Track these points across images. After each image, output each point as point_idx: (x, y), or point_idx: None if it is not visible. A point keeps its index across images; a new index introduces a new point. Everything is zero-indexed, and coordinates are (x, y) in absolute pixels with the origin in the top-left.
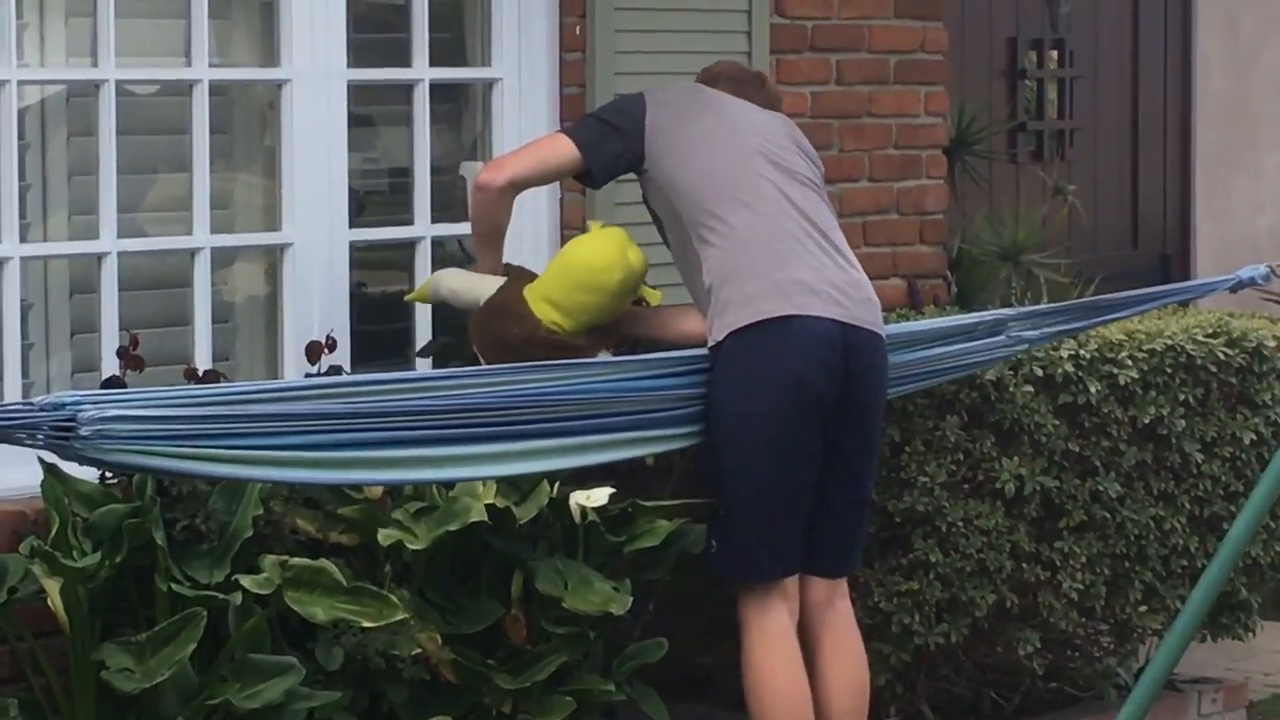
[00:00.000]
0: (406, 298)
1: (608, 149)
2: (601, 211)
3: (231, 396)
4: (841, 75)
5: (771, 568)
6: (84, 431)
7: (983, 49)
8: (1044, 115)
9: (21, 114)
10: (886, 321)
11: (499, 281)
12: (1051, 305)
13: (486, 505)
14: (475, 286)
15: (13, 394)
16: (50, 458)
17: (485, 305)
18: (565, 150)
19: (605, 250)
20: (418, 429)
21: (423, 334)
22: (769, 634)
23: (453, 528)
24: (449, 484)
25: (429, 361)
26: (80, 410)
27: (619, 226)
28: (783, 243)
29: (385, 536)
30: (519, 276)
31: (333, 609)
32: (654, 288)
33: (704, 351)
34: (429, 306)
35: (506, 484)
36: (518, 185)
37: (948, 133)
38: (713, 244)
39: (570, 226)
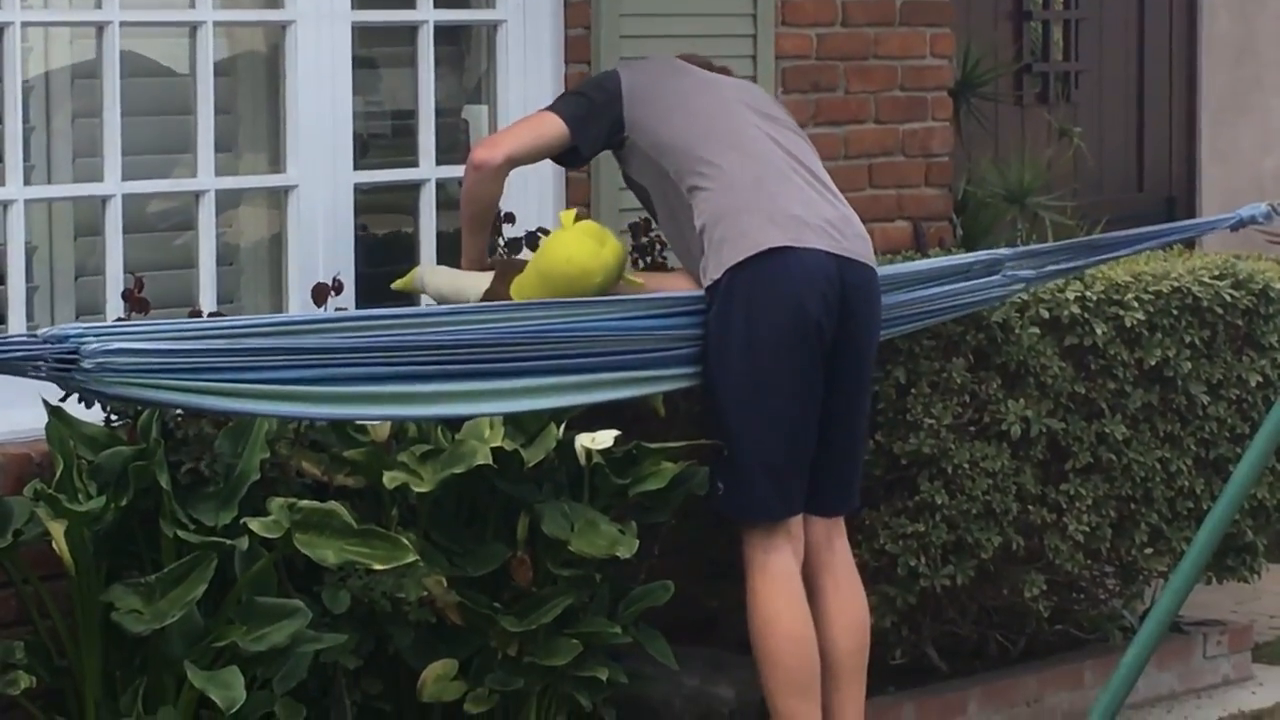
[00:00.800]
0: (393, 285)
1: (593, 125)
2: (607, 186)
3: (234, 330)
4: (847, 16)
5: (777, 506)
6: (87, 364)
7: None
8: (1049, 57)
9: (25, 56)
10: (890, 263)
11: (484, 278)
12: (1048, 245)
13: (493, 448)
14: (461, 286)
15: None
16: (53, 397)
17: (474, 302)
18: (556, 127)
19: (580, 255)
20: (419, 364)
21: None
22: (773, 575)
23: (458, 470)
24: (449, 420)
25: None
26: (83, 343)
27: (590, 221)
28: (773, 180)
29: (390, 479)
30: (505, 270)
31: (343, 551)
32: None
33: (702, 293)
34: (431, 250)
35: (513, 426)
36: (514, 162)
37: (953, 75)
38: (704, 188)
39: (575, 201)
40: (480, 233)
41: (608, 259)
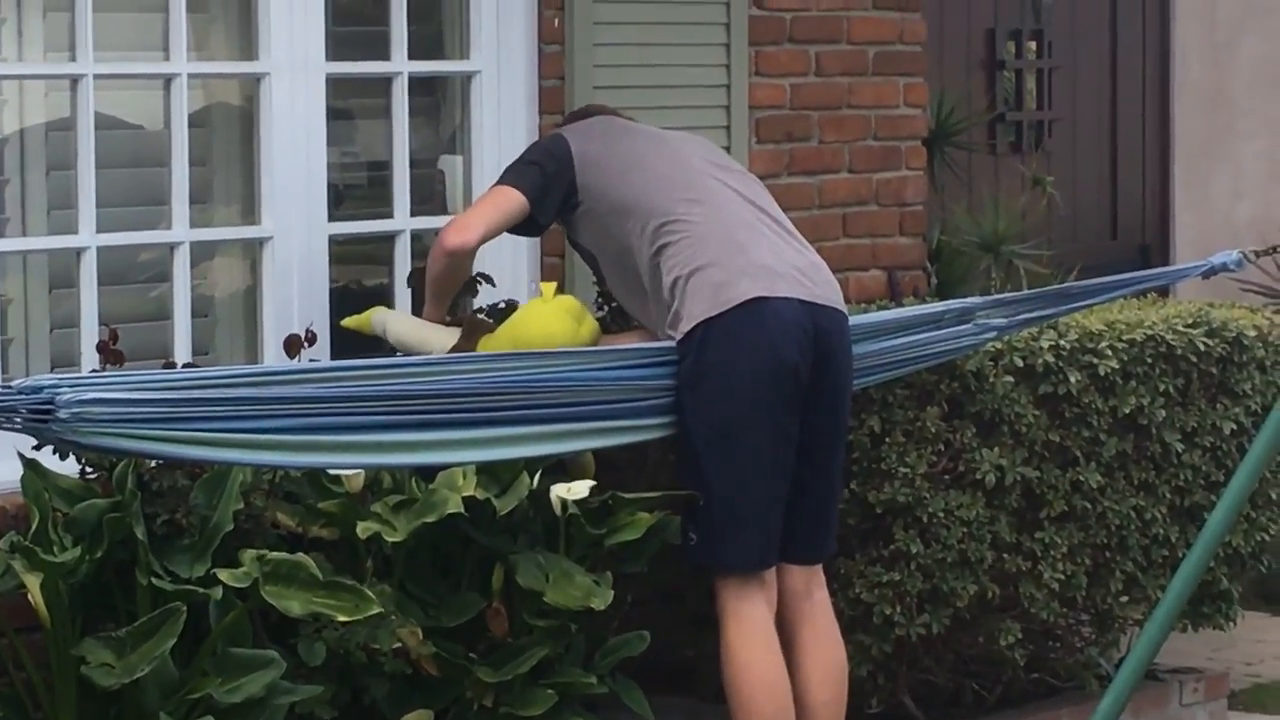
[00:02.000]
0: (343, 322)
1: (549, 195)
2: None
3: (208, 381)
4: (821, 66)
5: (751, 556)
6: (62, 414)
7: (961, 40)
8: (1023, 106)
9: (0, 108)
10: (864, 312)
11: (450, 334)
12: (1020, 293)
13: (466, 497)
14: (426, 338)
15: None
16: (28, 450)
17: None
18: (517, 201)
19: (560, 333)
20: (393, 414)
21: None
22: (747, 624)
23: (430, 519)
24: (423, 469)
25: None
26: (58, 393)
27: (569, 297)
28: (741, 230)
29: (364, 529)
30: (473, 330)
31: (310, 603)
32: None
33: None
34: (407, 299)
35: (487, 476)
36: (485, 241)
37: (927, 124)
38: (672, 243)
39: (552, 254)
40: (444, 302)
41: (585, 338)
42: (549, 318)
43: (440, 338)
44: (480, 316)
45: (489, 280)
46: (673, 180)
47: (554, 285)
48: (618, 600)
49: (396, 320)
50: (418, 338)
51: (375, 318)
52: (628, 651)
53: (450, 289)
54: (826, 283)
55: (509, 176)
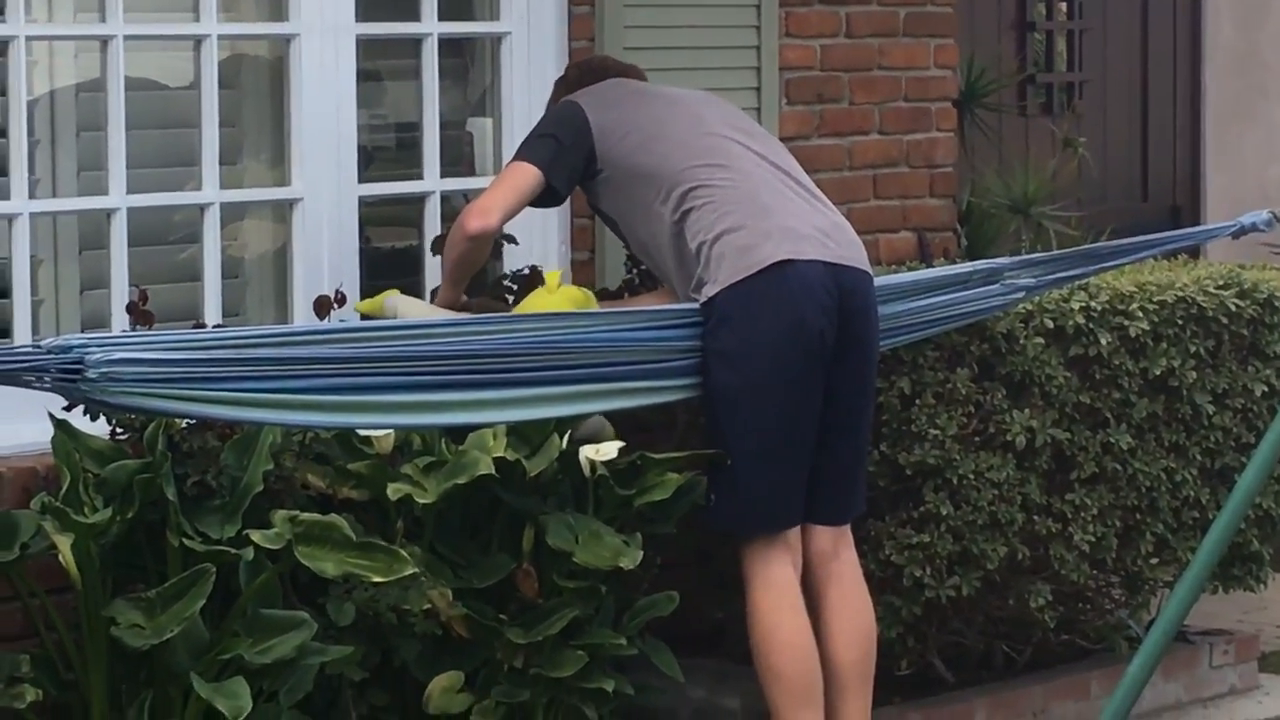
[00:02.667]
0: (355, 306)
1: (565, 164)
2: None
3: (237, 340)
4: (851, 28)
5: (775, 518)
6: (91, 374)
7: (992, 1)
8: (1053, 67)
9: (30, 70)
10: (893, 273)
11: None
12: (1049, 254)
13: (496, 459)
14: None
15: None
16: (59, 412)
17: None
18: (533, 176)
19: None
20: (422, 374)
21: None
22: (773, 586)
23: (461, 481)
24: (453, 429)
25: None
26: (88, 352)
27: (575, 288)
28: (764, 193)
29: (394, 490)
30: (482, 312)
31: (343, 564)
32: None
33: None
34: (435, 263)
35: (517, 437)
36: (506, 221)
37: (957, 85)
38: (696, 208)
39: (581, 215)
40: (461, 284)
41: None
42: (550, 309)
43: None
44: (492, 300)
45: (512, 240)
46: (694, 146)
47: (558, 275)
48: (647, 561)
49: (408, 305)
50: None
51: (388, 302)
52: (657, 612)
53: (468, 272)
54: (850, 243)
55: (525, 152)
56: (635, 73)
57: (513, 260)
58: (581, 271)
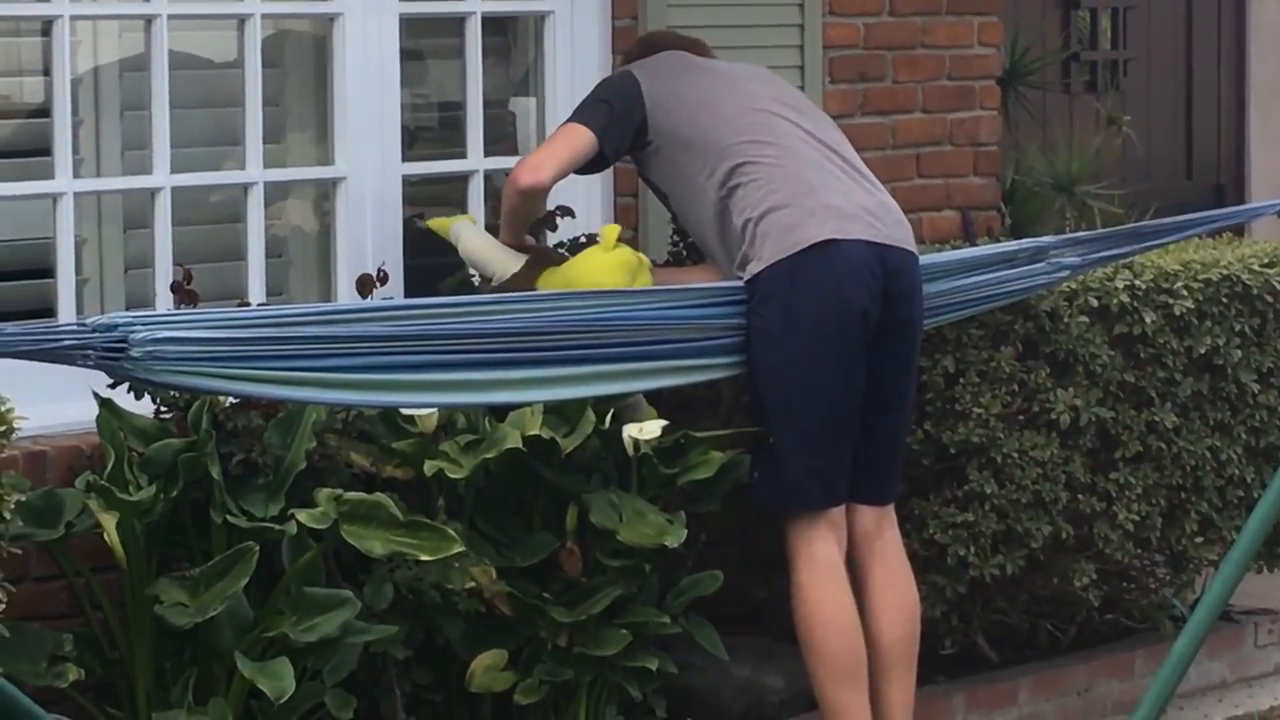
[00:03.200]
0: (427, 221)
1: (616, 132)
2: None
3: (280, 318)
4: (894, 6)
5: (818, 496)
6: (135, 352)
7: None
8: (1097, 45)
9: (74, 49)
10: (939, 252)
11: (518, 260)
12: (1094, 232)
13: (532, 436)
14: (493, 257)
15: None
16: (104, 390)
17: (496, 282)
18: (587, 138)
19: (608, 285)
20: (463, 353)
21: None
22: (818, 564)
23: (489, 455)
24: (495, 407)
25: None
26: (132, 331)
27: (628, 250)
28: (811, 171)
29: (429, 466)
30: (539, 261)
31: (390, 542)
32: None
33: (742, 282)
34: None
35: (556, 416)
36: (558, 179)
37: (1001, 63)
38: (742, 184)
39: (625, 194)
40: (521, 232)
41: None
42: (602, 270)
43: (505, 261)
44: (552, 249)
45: (570, 213)
46: (743, 122)
47: (616, 231)
48: (691, 539)
49: (471, 234)
50: (484, 255)
51: (455, 226)
52: (700, 591)
53: (524, 223)
54: (897, 223)
55: (580, 114)
56: (699, 47)
57: (568, 228)
58: (624, 216)
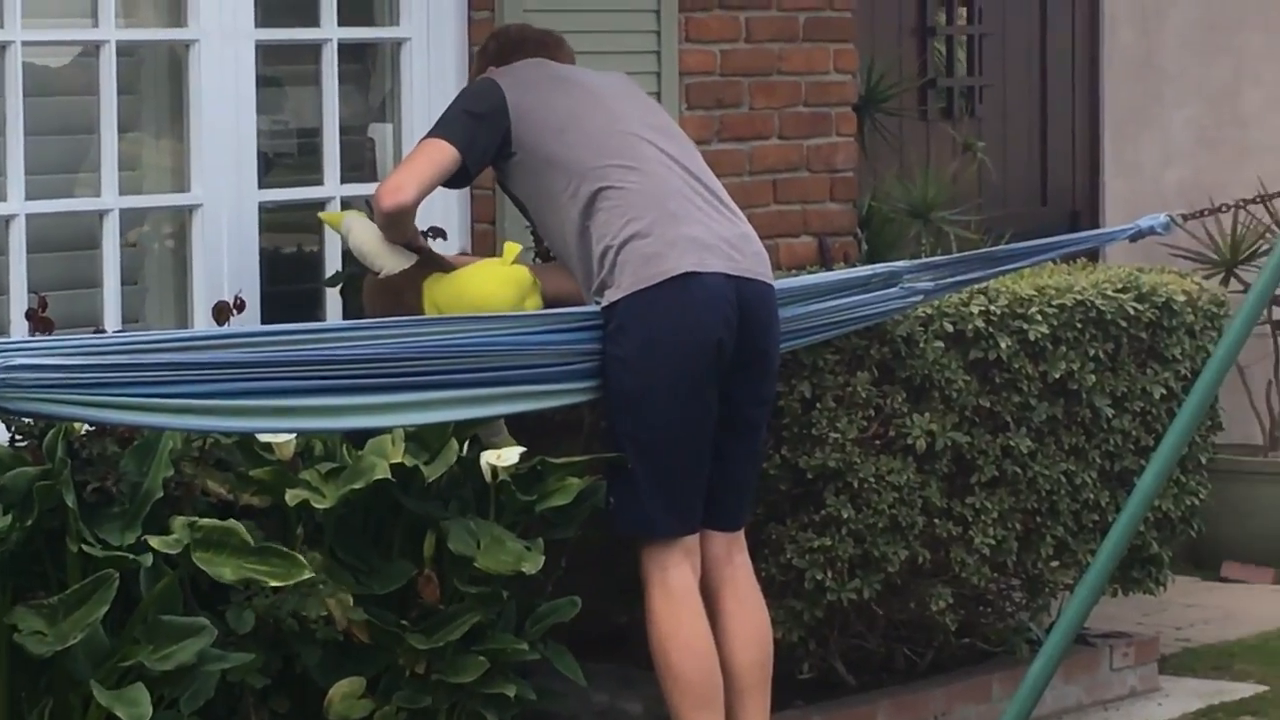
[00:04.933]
0: (320, 215)
1: (480, 144)
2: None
3: (135, 345)
4: (751, 33)
5: (671, 524)
6: None
7: (892, 6)
8: (953, 72)
9: None
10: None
11: (406, 260)
12: (947, 257)
13: (395, 465)
14: (382, 251)
15: None
16: None
17: (382, 278)
18: (449, 153)
19: (497, 302)
20: (319, 378)
21: (333, 299)
22: (672, 590)
23: (358, 486)
24: (353, 434)
25: (336, 293)
26: None
27: (524, 269)
28: (673, 200)
29: (293, 496)
30: (428, 263)
31: (241, 569)
32: None
33: (599, 308)
34: (338, 257)
35: (416, 443)
36: (423, 197)
37: (857, 90)
38: (604, 209)
39: (481, 186)
40: (399, 243)
41: (527, 309)
42: (495, 281)
43: (394, 259)
44: (444, 257)
45: (442, 234)
46: (608, 144)
47: (517, 250)
48: (549, 566)
49: (362, 229)
50: (374, 249)
51: (347, 219)
52: (559, 617)
53: (398, 239)
54: (755, 255)
55: (441, 128)
56: (553, 40)
57: (440, 248)
58: (481, 241)
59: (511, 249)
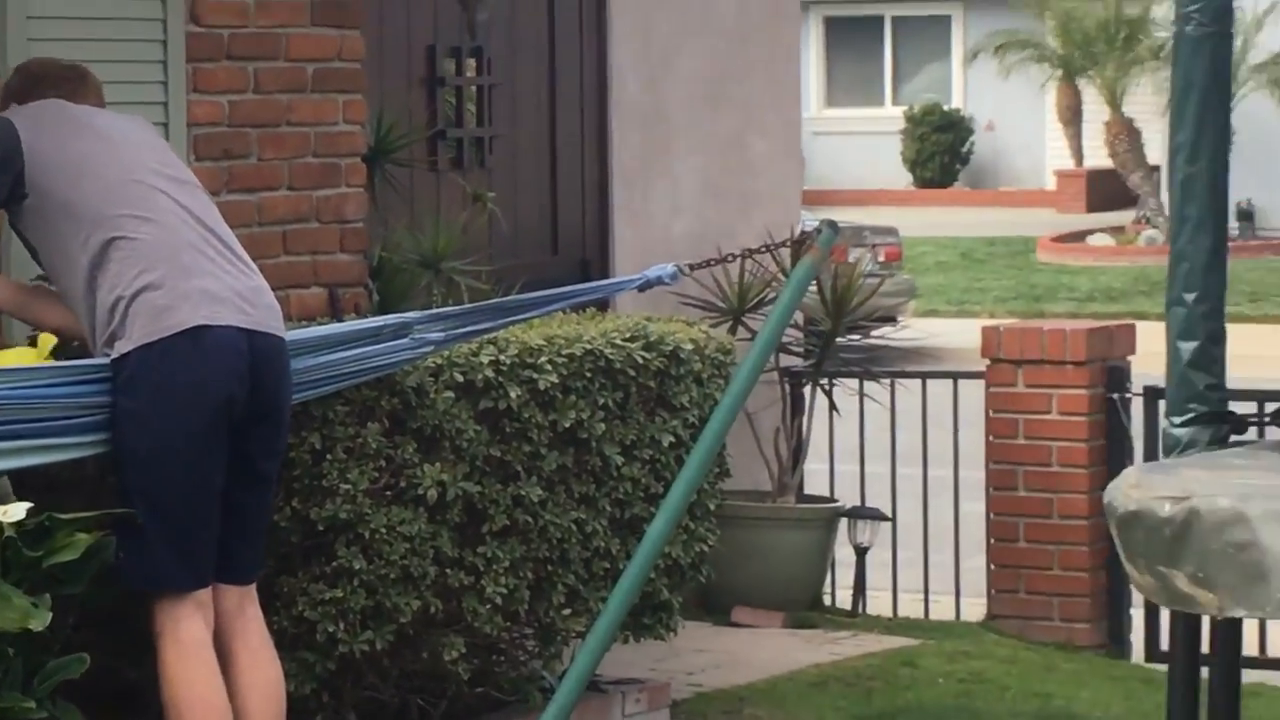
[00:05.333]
0: None
1: None
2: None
3: None
4: (259, 84)
5: (183, 577)
6: None
7: (401, 57)
8: (463, 123)
9: None
10: (304, 329)
11: None
12: (458, 307)
13: None
14: None
15: None
16: None
17: None
18: None
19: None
20: None
21: None
22: (184, 644)
23: None
24: None
25: None
26: None
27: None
28: (186, 253)
29: None
30: None
31: None
32: None
33: (108, 360)
34: None
35: None
36: None
37: (366, 141)
38: (115, 260)
39: None
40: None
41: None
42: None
43: None
44: None
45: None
46: (122, 193)
47: (52, 342)
48: (58, 623)
49: None
50: None
51: None
52: (67, 674)
53: None
54: (267, 307)
55: None
56: (76, 75)
57: None
58: None
59: (47, 341)
